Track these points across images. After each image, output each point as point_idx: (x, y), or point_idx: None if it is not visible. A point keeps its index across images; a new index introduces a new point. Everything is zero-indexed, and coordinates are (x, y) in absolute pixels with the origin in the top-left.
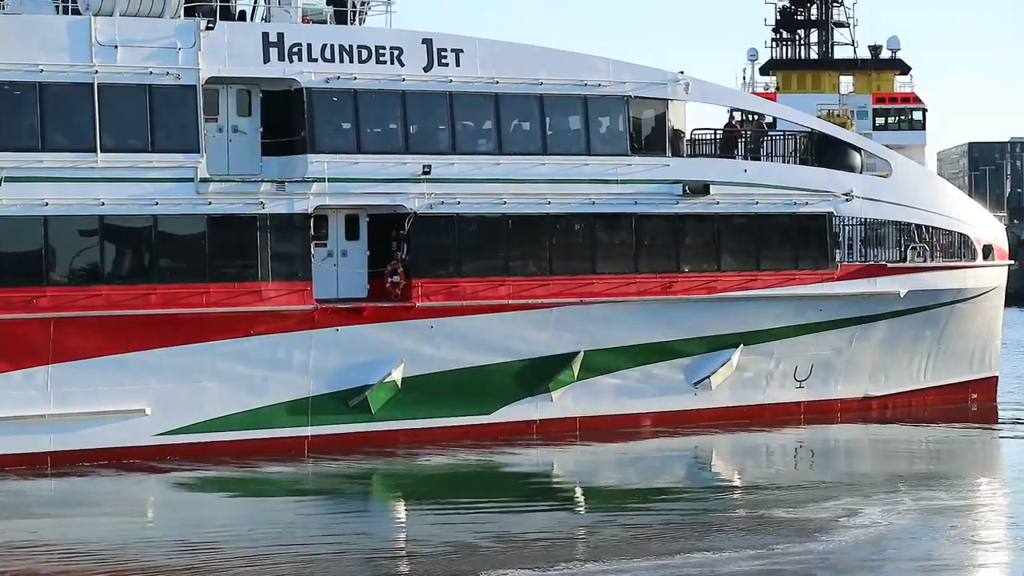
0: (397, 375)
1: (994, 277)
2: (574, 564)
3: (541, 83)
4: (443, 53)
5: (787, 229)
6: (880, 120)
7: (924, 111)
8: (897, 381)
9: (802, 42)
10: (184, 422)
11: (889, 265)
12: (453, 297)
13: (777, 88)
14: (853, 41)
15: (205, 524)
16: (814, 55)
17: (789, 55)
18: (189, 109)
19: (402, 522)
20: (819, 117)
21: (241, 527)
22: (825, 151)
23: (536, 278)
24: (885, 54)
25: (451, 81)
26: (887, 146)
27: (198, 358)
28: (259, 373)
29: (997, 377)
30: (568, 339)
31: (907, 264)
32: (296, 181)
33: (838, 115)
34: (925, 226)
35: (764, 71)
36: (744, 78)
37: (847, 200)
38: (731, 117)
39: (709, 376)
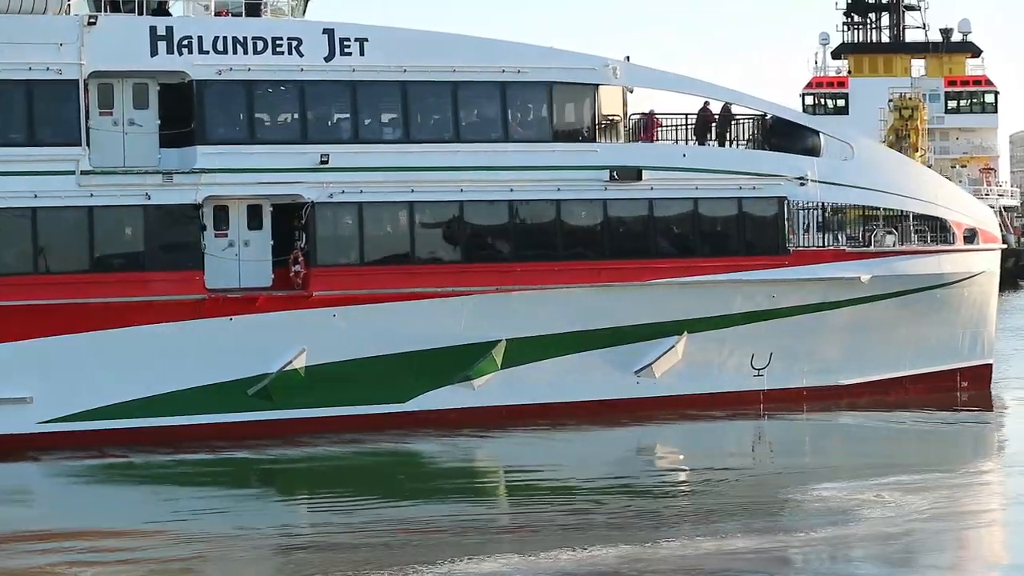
0: (299, 363)
1: (981, 262)
2: (508, 555)
3: (454, 71)
4: (346, 43)
5: (730, 214)
6: (952, 103)
7: (996, 94)
8: (872, 368)
9: (873, 26)
10: (71, 410)
11: (848, 250)
12: (354, 286)
13: (849, 72)
14: (924, 24)
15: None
16: (885, 38)
17: (860, 39)
18: (71, 103)
19: (308, 514)
20: (891, 100)
21: (143, 516)
22: (780, 135)
23: (448, 266)
24: (956, 37)
25: (353, 71)
26: (959, 129)
27: (87, 347)
28: (149, 361)
29: (991, 365)
30: (487, 327)
31: (869, 249)
32: (183, 172)
33: (910, 98)
34: (893, 210)
35: (836, 55)
36: (816, 62)
37: (801, 184)
38: (706, 103)
39: (651, 364)
